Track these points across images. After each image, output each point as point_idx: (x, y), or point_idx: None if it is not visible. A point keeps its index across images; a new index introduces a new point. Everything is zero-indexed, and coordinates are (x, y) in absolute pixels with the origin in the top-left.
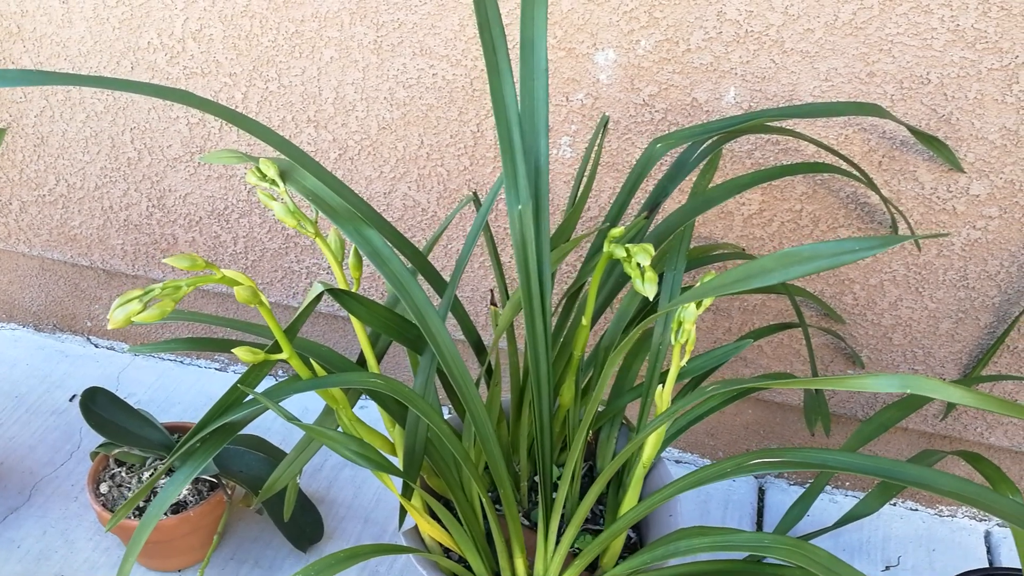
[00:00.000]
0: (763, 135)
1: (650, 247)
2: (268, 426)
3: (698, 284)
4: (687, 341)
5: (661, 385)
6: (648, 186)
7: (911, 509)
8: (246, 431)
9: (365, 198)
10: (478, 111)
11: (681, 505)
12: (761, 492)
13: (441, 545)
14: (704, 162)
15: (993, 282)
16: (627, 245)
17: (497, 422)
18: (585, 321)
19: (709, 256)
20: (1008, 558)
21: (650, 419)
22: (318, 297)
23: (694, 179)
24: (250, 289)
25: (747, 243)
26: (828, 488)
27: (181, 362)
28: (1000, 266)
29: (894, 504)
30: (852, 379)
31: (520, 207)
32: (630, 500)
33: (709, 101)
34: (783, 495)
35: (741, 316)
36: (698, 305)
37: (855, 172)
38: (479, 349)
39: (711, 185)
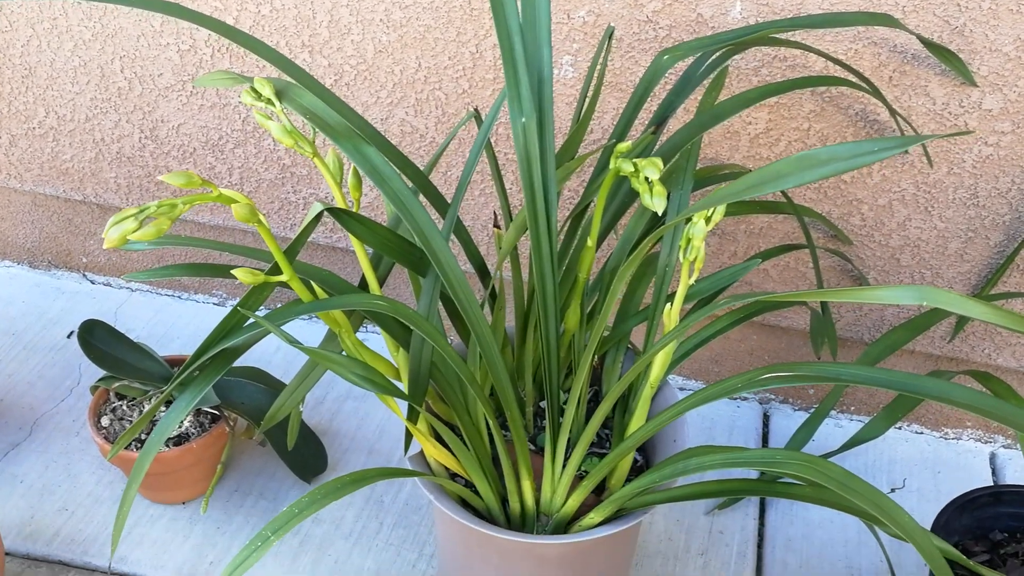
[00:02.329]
0: (770, 49)
1: (659, 161)
2: (269, 359)
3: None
4: (696, 259)
5: (669, 304)
6: (652, 105)
7: (916, 432)
8: (247, 362)
9: None
10: (476, 31)
11: (687, 428)
12: (766, 417)
13: (447, 470)
14: (710, 78)
15: (1004, 199)
16: (635, 160)
17: (502, 347)
18: (591, 242)
19: (715, 176)
20: (1013, 479)
21: (657, 341)
22: (317, 217)
23: (699, 98)
24: (248, 207)
25: (753, 164)
26: (833, 413)
27: (179, 297)
28: (1012, 183)
29: (899, 428)
30: (867, 291)
31: (524, 120)
32: (637, 420)
33: (715, 16)
34: (788, 420)
35: (747, 240)
36: (707, 220)
37: (864, 85)
38: (483, 273)
39: (717, 102)
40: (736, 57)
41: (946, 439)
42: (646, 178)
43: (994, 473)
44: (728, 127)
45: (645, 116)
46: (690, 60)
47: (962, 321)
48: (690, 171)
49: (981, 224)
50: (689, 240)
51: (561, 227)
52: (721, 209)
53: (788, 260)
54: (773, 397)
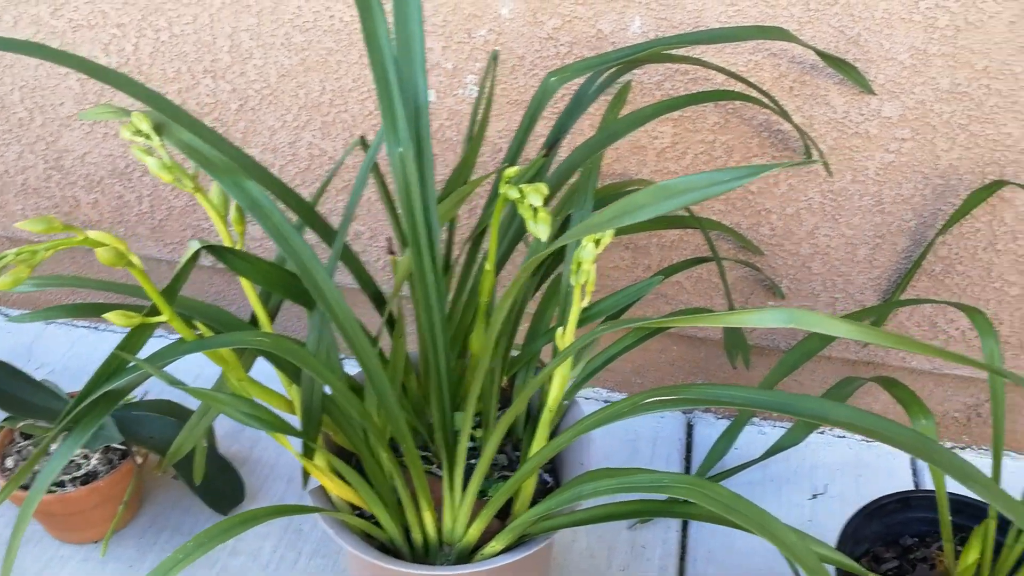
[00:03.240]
0: (672, 64)
1: (543, 186)
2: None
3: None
4: (587, 282)
5: (562, 328)
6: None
7: (839, 436)
8: (160, 396)
9: (270, 149)
10: None
11: (593, 448)
12: (690, 427)
13: (352, 503)
14: (611, 96)
15: (908, 205)
16: (521, 185)
17: (405, 373)
18: (488, 266)
19: (621, 193)
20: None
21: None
22: (195, 255)
23: (604, 114)
24: (113, 251)
25: (661, 178)
26: (756, 420)
27: (95, 328)
28: (915, 189)
29: (822, 432)
30: (735, 315)
31: (400, 150)
32: (537, 444)
33: (615, 32)
34: (711, 429)
35: (660, 252)
36: (596, 244)
37: (760, 98)
38: (379, 300)
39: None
40: (638, 72)
41: (868, 443)
42: (531, 204)
43: (915, 475)
44: (635, 142)
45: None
46: (584, 79)
47: (876, 326)
48: (591, 190)
49: (888, 230)
50: (579, 264)
51: (461, 250)
52: (610, 233)
53: (701, 272)
54: (671, 408)
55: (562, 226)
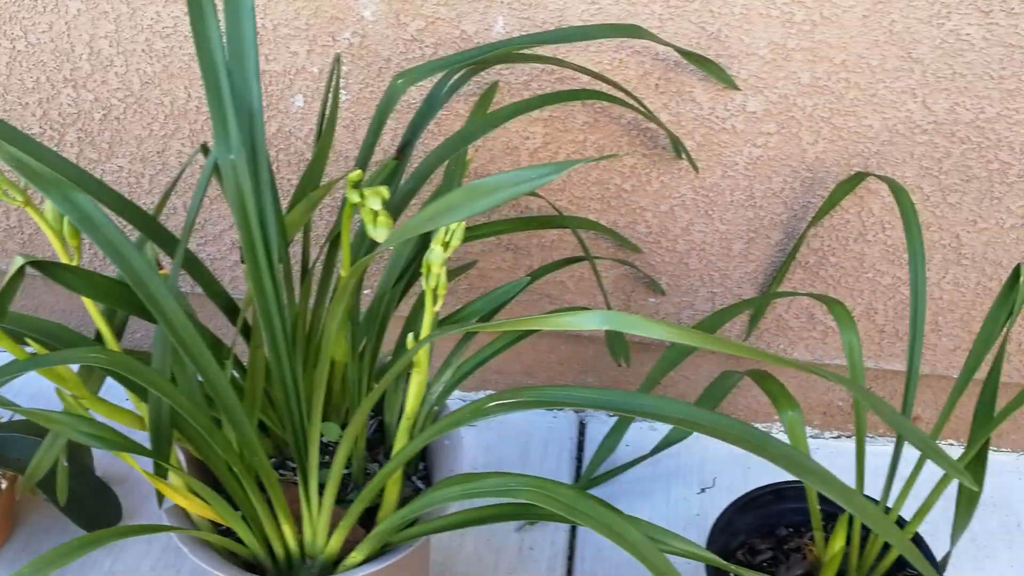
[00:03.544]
0: (540, 64)
1: (382, 189)
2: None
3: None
4: (437, 286)
5: (412, 334)
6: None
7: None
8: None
9: (138, 159)
10: None
11: (461, 454)
12: (582, 426)
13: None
14: (478, 95)
15: (779, 199)
16: (363, 189)
17: (271, 381)
18: (343, 272)
19: None
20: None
21: (434, 371)
22: (20, 272)
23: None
24: None
25: None
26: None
27: None
28: (784, 183)
29: None
30: (554, 317)
31: (232, 157)
32: (397, 450)
33: (479, 32)
34: (603, 426)
35: (540, 253)
36: (445, 247)
37: (626, 98)
38: (231, 309)
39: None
40: (507, 73)
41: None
42: (371, 208)
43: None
44: (508, 143)
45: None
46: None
47: (755, 319)
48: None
49: (760, 224)
50: (428, 268)
51: (317, 256)
52: (458, 235)
53: (584, 271)
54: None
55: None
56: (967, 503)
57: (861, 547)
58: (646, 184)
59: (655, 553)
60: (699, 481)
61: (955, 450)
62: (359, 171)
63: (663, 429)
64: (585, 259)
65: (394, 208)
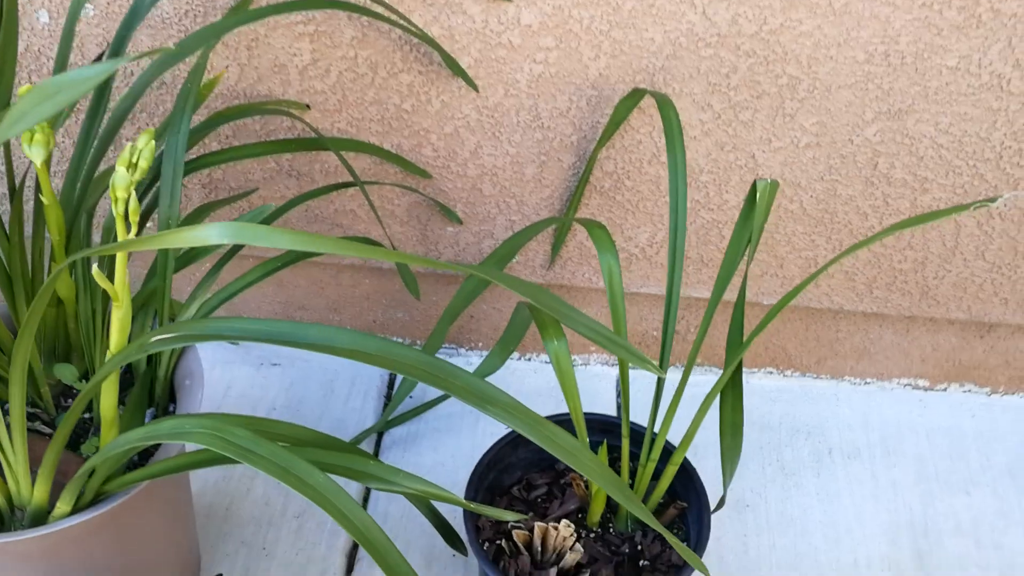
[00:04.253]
0: None
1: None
2: None
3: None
4: (130, 211)
5: (96, 263)
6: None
7: (545, 362)
8: None
9: None
10: None
11: (196, 394)
12: None
13: None
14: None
15: (566, 119)
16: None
17: None
18: (47, 200)
19: (255, 110)
20: (637, 401)
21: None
22: None
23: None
24: None
25: (310, 98)
26: (463, 350)
27: None
28: (570, 101)
29: (528, 359)
30: (174, 234)
31: None
32: (107, 391)
33: None
34: None
35: (325, 180)
36: (131, 168)
37: (387, 14)
38: None
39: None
40: None
41: (574, 365)
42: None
43: (619, 395)
44: (275, 60)
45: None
46: None
47: (556, 248)
48: (186, 112)
49: (551, 146)
50: (115, 192)
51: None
52: (147, 155)
53: (376, 199)
54: (401, 341)
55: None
56: (732, 431)
57: (632, 478)
58: (426, 104)
59: (339, 497)
60: None
61: (773, 379)
62: (27, 85)
63: (480, 363)
64: (353, 185)
65: (114, 123)
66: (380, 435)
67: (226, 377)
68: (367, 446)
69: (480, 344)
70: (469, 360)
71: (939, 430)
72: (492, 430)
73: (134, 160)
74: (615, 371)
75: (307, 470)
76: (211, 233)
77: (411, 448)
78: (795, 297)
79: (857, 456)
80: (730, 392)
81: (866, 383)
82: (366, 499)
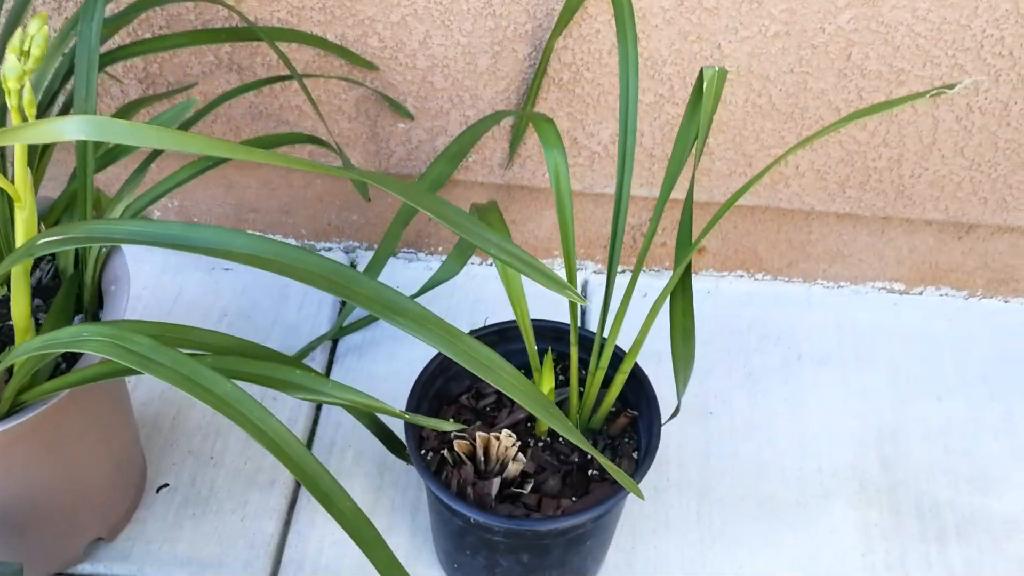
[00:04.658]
0: None
1: None
2: None
3: None
4: (24, 103)
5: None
6: None
7: None
8: None
9: None
10: None
11: (119, 301)
12: (353, 266)
13: None
14: None
15: (519, 6)
16: None
17: None
18: None
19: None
20: (600, 305)
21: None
22: None
23: None
24: None
25: None
26: (423, 255)
27: None
28: None
29: (491, 264)
30: (30, 129)
31: None
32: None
33: None
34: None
35: (267, 74)
36: (23, 57)
37: None
38: None
39: None
40: None
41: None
42: None
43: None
44: None
45: None
46: None
47: (514, 145)
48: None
49: (504, 35)
50: (5, 82)
51: None
52: (39, 41)
53: (319, 95)
54: (358, 245)
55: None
56: (683, 337)
57: (582, 387)
58: None
59: (248, 406)
60: (470, 322)
61: (744, 282)
62: None
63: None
64: (290, 78)
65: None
66: (335, 343)
67: (177, 283)
68: (322, 354)
69: (440, 248)
70: (429, 265)
71: (913, 334)
72: None
73: (26, 47)
74: (583, 275)
75: (213, 379)
76: (67, 127)
77: (367, 355)
78: (743, 195)
79: (827, 362)
80: (680, 296)
81: (839, 287)
82: (319, 409)
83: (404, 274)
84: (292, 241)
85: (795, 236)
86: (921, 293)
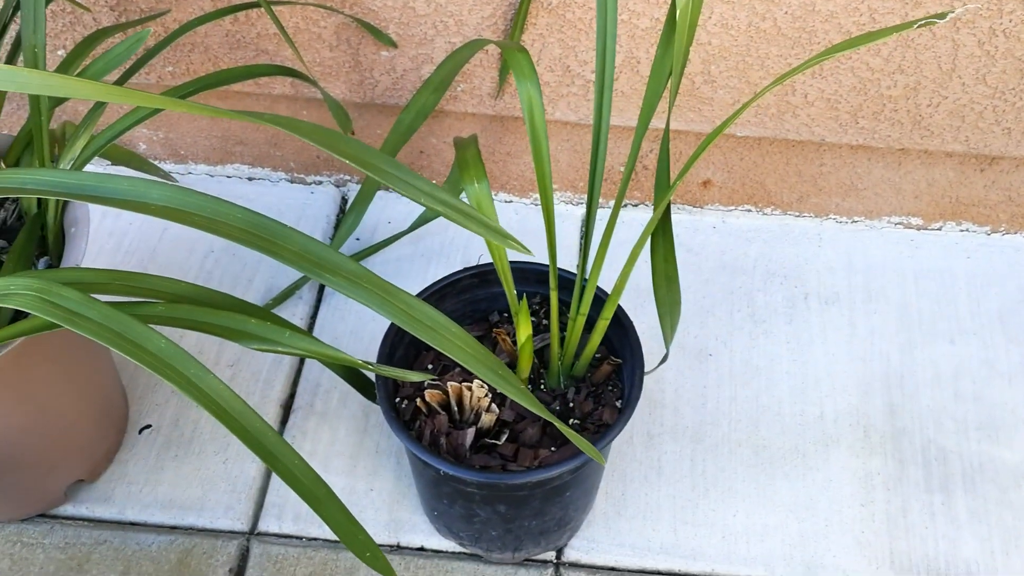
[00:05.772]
0: None
1: None
2: None
3: None
4: None
5: None
6: None
7: (505, 201)
8: None
9: None
10: None
11: (78, 244)
12: (344, 203)
13: None
14: None
15: None
16: None
17: None
18: None
19: None
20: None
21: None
22: None
23: None
24: None
25: None
26: None
27: None
28: None
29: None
30: None
31: None
32: None
33: None
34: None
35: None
36: None
37: None
38: None
39: None
40: None
41: (535, 207)
42: None
43: (584, 238)
44: None
45: None
46: None
47: (503, 74)
48: None
49: None
50: None
51: None
52: None
53: (297, 22)
54: (349, 179)
55: None
56: (667, 283)
57: (562, 331)
58: None
59: (183, 362)
60: (463, 260)
61: (751, 217)
62: None
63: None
64: (258, 5)
65: None
66: (322, 285)
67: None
68: (309, 293)
69: (435, 181)
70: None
71: (929, 273)
72: (442, 273)
73: None
74: (580, 210)
75: (145, 335)
76: None
77: None
78: (728, 127)
79: (836, 301)
80: (661, 240)
81: (853, 222)
82: (303, 360)
83: (396, 208)
84: (281, 174)
85: (805, 169)
86: (940, 229)
